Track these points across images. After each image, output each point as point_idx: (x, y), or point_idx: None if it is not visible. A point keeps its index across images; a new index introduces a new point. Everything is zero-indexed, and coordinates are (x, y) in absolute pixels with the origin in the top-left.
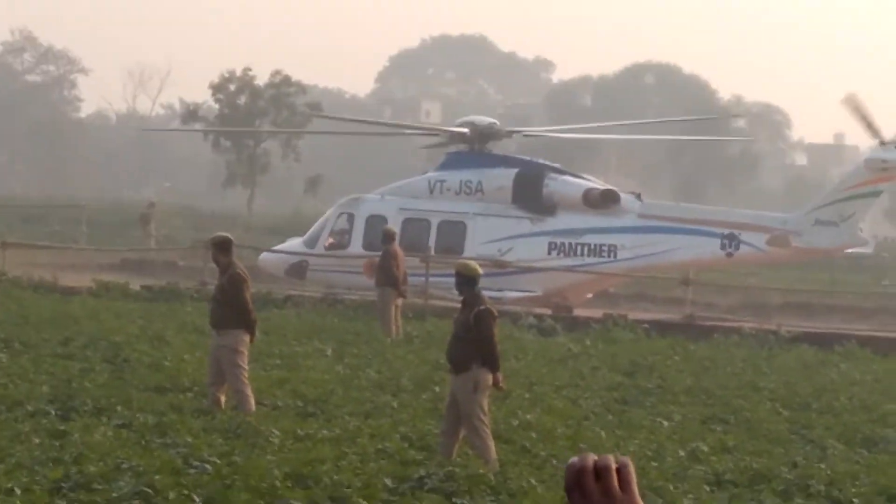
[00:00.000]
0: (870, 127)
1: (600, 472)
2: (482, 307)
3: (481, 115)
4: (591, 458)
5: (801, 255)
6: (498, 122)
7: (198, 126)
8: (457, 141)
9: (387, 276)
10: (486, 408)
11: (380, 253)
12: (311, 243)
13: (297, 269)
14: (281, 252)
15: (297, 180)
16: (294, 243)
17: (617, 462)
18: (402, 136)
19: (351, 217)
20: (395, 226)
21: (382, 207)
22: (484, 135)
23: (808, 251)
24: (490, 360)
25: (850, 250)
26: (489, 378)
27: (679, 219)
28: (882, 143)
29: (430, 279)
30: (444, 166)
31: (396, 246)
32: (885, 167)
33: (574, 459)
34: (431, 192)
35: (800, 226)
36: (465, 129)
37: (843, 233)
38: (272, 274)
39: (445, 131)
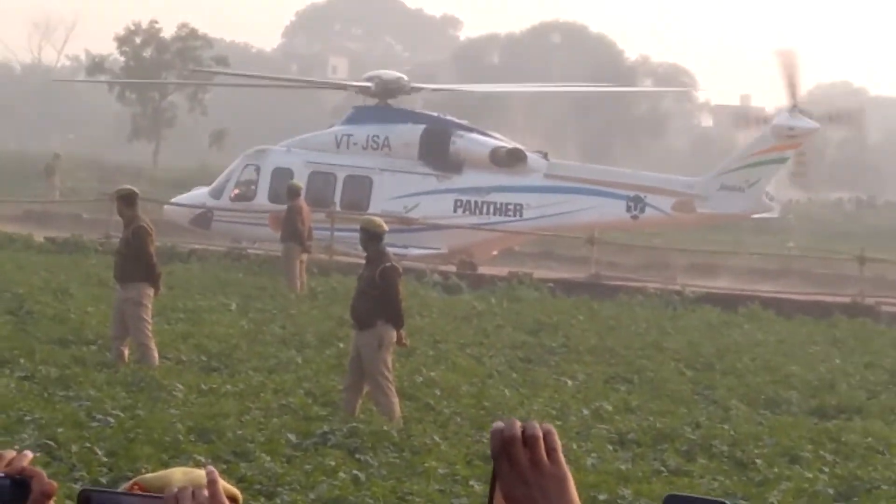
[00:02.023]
0: (792, 88)
1: (528, 440)
2: (387, 264)
3: (388, 71)
4: (518, 425)
5: (706, 220)
6: (405, 77)
7: (104, 78)
8: (364, 95)
9: (292, 231)
10: (389, 364)
11: (285, 206)
12: (217, 194)
13: (202, 220)
14: (185, 205)
15: (203, 134)
16: (199, 193)
17: (541, 429)
18: (308, 90)
19: (257, 168)
20: (301, 179)
21: (289, 160)
22: (390, 90)
23: (714, 216)
24: (394, 317)
25: (755, 216)
26: (393, 335)
27: (585, 179)
28: (793, 108)
29: (335, 234)
30: (352, 120)
31: (302, 201)
32: (792, 134)
33: (500, 425)
34: (338, 146)
35: (706, 190)
36: (371, 84)
37: (748, 199)
38: (176, 223)
39: (351, 86)
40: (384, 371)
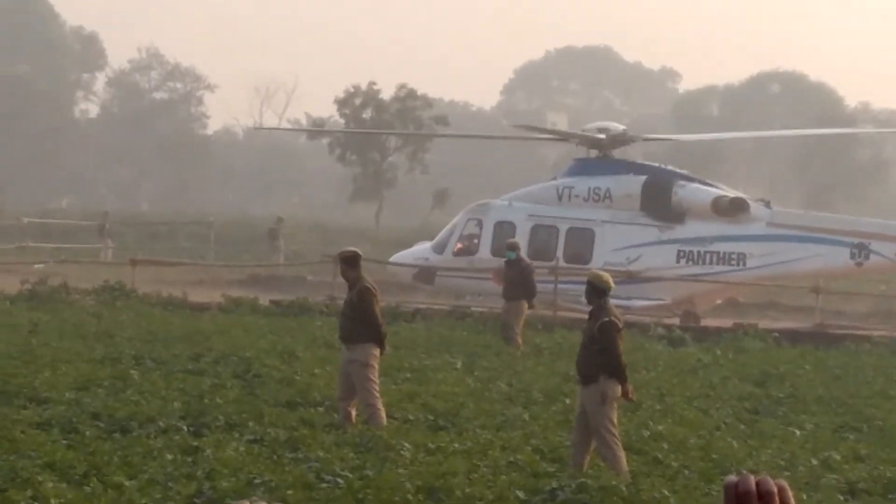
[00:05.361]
0: None
1: (763, 496)
2: (606, 318)
3: (610, 122)
4: (753, 480)
5: None
6: (626, 129)
7: (324, 140)
8: (588, 146)
9: (514, 288)
10: (614, 419)
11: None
12: (440, 249)
13: (425, 275)
14: (407, 264)
15: (424, 193)
16: (422, 248)
17: (775, 484)
18: (526, 147)
19: (479, 223)
20: (523, 232)
21: (511, 214)
22: (616, 141)
23: None
24: (616, 372)
25: None
26: (617, 389)
27: (808, 227)
28: None
29: (559, 287)
30: (572, 172)
31: (522, 256)
32: None
33: (733, 479)
34: (560, 198)
35: None
36: (601, 136)
37: None
38: (399, 280)
39: (574, 136)
40: (609, 426)
